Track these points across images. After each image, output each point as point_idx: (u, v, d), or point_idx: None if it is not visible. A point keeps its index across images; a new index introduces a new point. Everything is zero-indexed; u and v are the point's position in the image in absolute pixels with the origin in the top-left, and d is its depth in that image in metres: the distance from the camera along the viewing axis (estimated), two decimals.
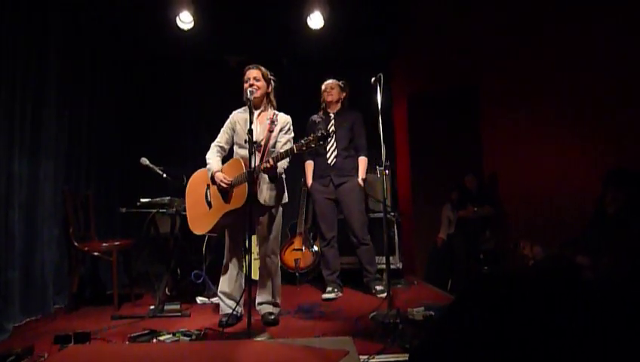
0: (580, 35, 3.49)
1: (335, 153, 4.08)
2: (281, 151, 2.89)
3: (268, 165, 2.80)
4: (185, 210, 3.33)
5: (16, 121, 3.38)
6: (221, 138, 3.25)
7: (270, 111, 3.19)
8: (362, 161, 4.13)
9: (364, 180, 4.13)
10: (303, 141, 2.70)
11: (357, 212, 4.05)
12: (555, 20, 3.78)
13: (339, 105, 4.21)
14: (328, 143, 4.08)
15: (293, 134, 3.19)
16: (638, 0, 2.98)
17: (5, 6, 3.24)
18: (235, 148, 3.22)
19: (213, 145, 3.23)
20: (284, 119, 3.18)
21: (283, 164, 2.97)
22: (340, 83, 4.22)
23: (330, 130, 4.07)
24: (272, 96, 3.23)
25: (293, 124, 3.24)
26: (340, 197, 4.06)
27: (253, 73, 3.12)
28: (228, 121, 3.27)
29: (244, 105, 3.19)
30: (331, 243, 4.12)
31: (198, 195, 3.18)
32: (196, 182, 3.26)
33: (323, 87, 4.22)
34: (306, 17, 4.86)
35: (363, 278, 4.11)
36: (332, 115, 4.19)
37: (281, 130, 3.14)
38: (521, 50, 4.30)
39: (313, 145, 2.67)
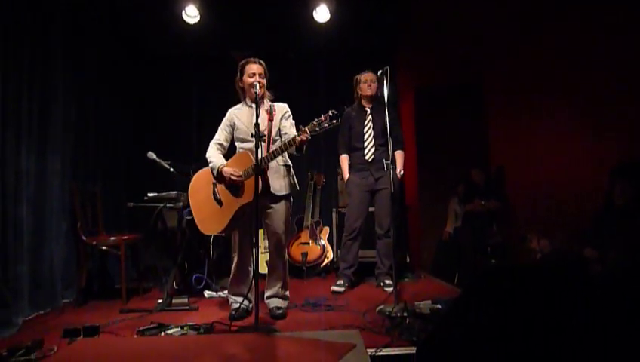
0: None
1: (373, 149, 4.02)
2: (306, 127, 2.83)
3: (304, 137, 2.78)
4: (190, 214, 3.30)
5: (24, 119, 3.41)
6: (220, 135, 3.22)
7: (267, 103, 3.18)
8: (400, 155, 4.11)
9: (402, 174, 4.14)
10: (315, 121, 2.76)
11: (391, 205, 4.02)
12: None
13: (374, 99, 4.10)
14: (366, 139, 4.03)
15: (293, 120, 3.22)
16: None
17: (6, 5, 3.24)
18: (238, 143, 3.20)
19: (212, 143, 3.19)
20: (281, 107, 3.22)
21: (292, 150, 2.93)
22: (377, 75, 3.89)
23: (368, 125, 4.04)
24: (266, 91, 3.20)
25: (301, 116, 3.23)
26: (379, 188, 3.99)
27: (259, 69, 3.12)
28: (225, 118, 3.25)
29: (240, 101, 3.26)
30: (357, 238, 4.06)
31: (204, 196, 3.12)
32: (199, 184, 3.20)
33: (361, 78, 4.08)
34: (311, 11, 4.84)
35: (375, 270, 4.11)
36: (368, 110, 4.10)
37: (282, 118, 3.17)
38: (521, 47, 4.29)
39: (326, 125, 2.73)
